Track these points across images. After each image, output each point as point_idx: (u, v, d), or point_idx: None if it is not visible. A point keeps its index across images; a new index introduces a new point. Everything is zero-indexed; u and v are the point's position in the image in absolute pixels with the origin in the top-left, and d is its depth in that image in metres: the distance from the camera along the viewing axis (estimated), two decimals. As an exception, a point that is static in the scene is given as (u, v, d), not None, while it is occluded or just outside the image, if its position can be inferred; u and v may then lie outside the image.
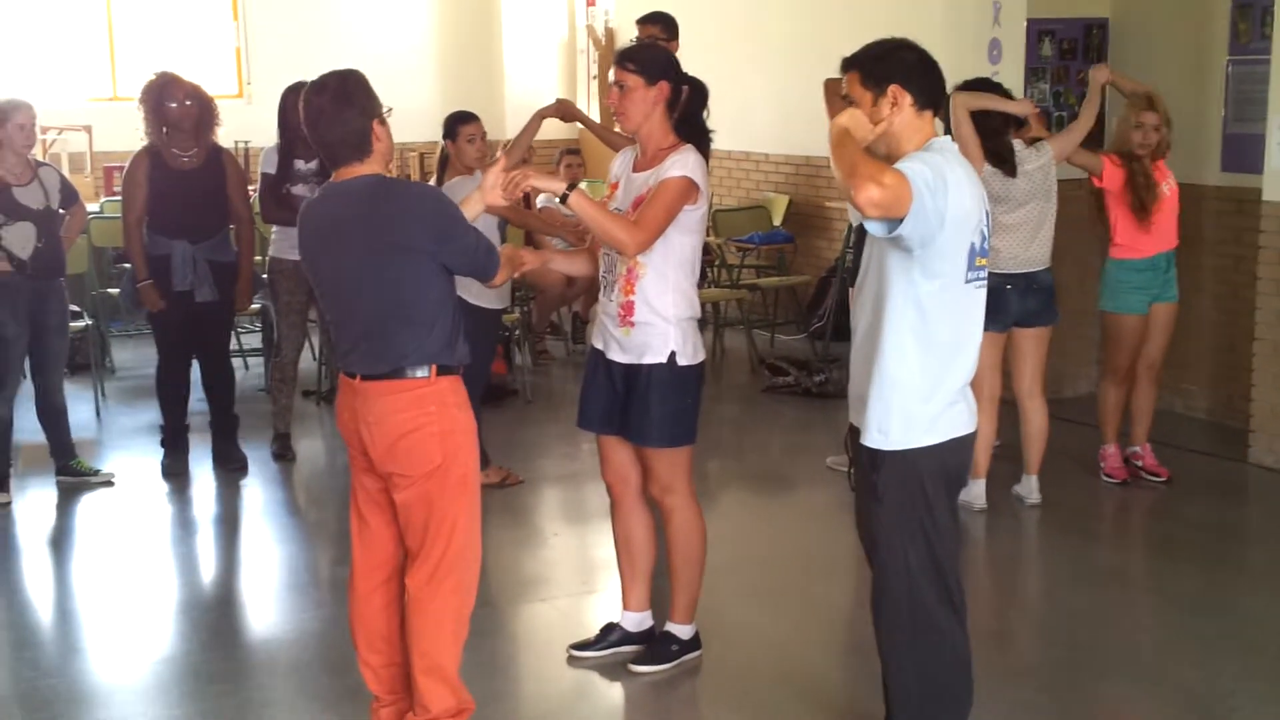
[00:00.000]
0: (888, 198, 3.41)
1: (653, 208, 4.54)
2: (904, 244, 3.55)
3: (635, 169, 4.75)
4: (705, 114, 4.83)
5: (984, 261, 3.70)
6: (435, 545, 4.13)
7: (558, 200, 4.52)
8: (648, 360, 4.69)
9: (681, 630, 4.99)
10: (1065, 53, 8.50)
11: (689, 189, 4.58)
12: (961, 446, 3.80)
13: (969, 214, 3.60)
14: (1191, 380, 8.23)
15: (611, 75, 4.70)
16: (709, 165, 4.79)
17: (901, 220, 3.45)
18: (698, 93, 4.80)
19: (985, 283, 3.74)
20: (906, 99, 3.67)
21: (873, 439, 3.77)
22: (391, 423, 4.08)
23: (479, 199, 4.37)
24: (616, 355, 4.75)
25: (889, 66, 3.70)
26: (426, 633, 4.16)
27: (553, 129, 7.11)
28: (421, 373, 4.07)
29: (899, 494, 3.76)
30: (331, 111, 4.02)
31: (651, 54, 4.76)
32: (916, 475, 3.74)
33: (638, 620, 5.10)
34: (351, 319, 4.13)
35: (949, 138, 3.78)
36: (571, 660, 5.08)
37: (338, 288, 4.14)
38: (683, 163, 4.60)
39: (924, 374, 3.70)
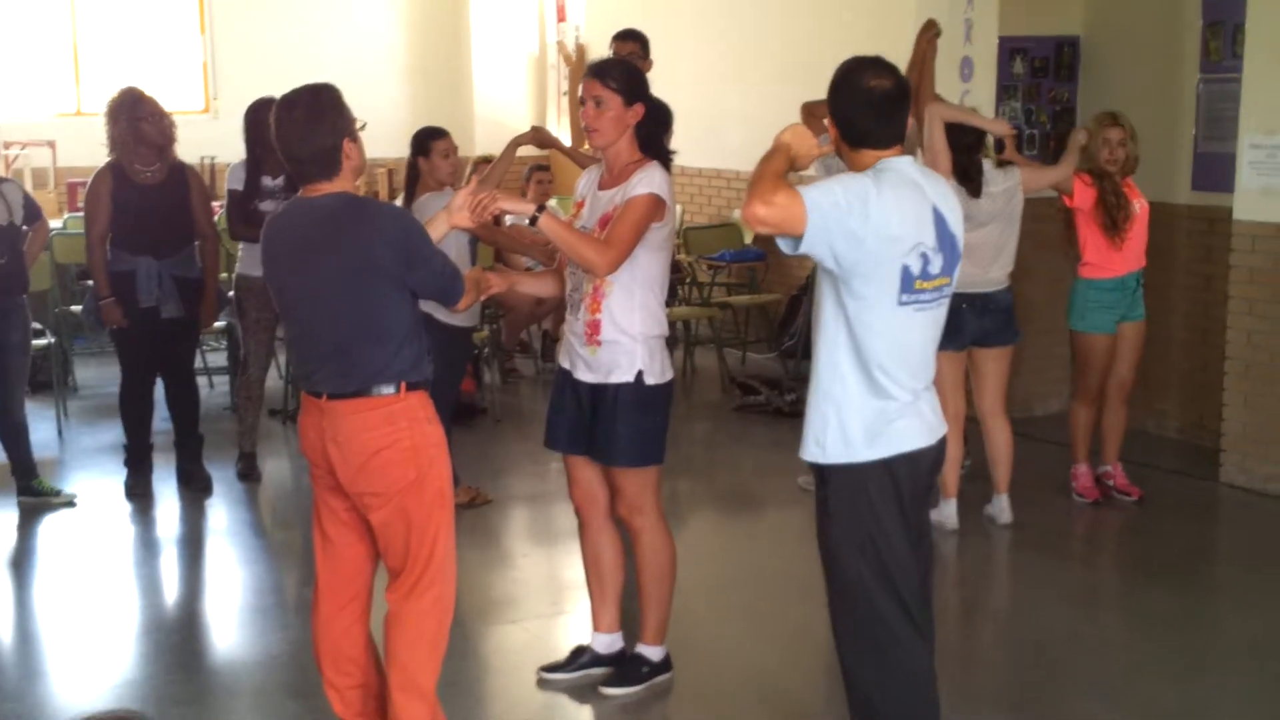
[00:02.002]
0: (774, 215, 3.44)
1: (621, 226, 4.51)
2: (820, 262, 3.58)
3: (601, 186, 4.72)
4: (667, 136, 4.81)
5: (928, 284, 3.64)
6: (417, 561, 4.10)
7: (527, 221, 4.48)
8: (614, 379, 4.65)
9: (652, 652, 4.94)
10: (1037, 71, 8.52)
11: (656, 206, 4.56)
12: (912, 461, 3.73)
13: (898, 237, 3.56)
14: (1163, 399, 8.23)
15: (583, 89, 4.65)
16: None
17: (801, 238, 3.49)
18: (662, 115, 4.79)
19: (930, 305, 3.68)
20: (836, 133, 3.70)
21: (810, 452, 3.75)
22: (361, 441, 4.03)
23: (445, 219, 4.32)
24: (583, 374, 4.71)
25: (834, 98, 3.70)
26: (405, 648, 4.11)
27: (524, 147, 7.09)
28: (389, 390, 4.03)
29: (846, 508, 3.72)
30: (302, 129, 3.99)
31: (632, 73, 4.71)
32: (863, 490, 3.69)
33: (608, 642, 5.04)
34: (318, 337, 4.07)
35: (909, 159, 3.71)
36: (541, 682, 5.03)
37: (304, 306, 4.09)
38: (649, 180, 4.57)
39: (859, 390, 3.67)
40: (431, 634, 4.16)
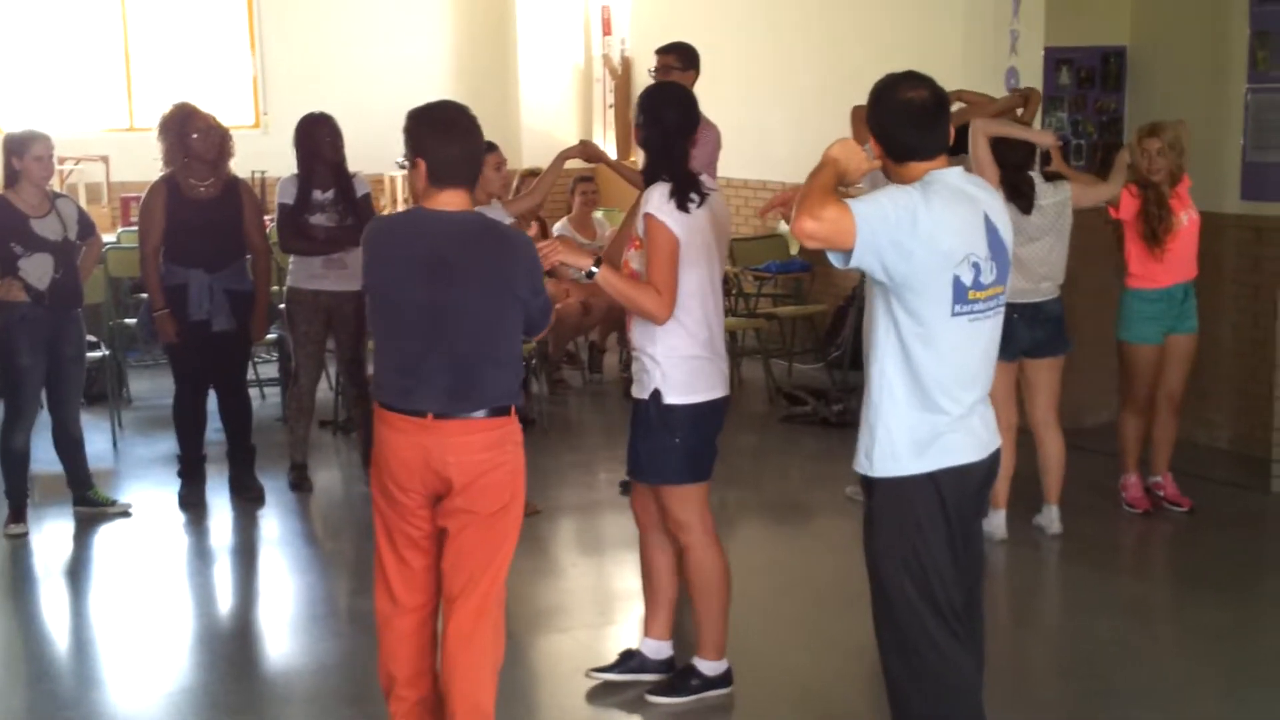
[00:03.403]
0: (823, 230, 3.46)
1: (653, 270, 4.58)
2: (871, 275, 3.59)
3: None
4: (690, 144, 4.78)
5: (980, 294, 3.65)
6: (480, 584, 4.12)
7: (584, 275, 4.57)
8: (637, 395, 4.74)
9: (706, 666, 4.94)
10: (1083, 81, 8.50)
11: (656, 227, 4.57)
12: (960, 476, 3.73)
13: (949, 250, 3.57)
14: (1213, 410, 8.18)
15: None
16: (699, 204, 4.68)
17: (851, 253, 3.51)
18: (686, 125, 4.78)
19: (985, 315, 3.69)
20: (880, 150, 3.72)
21: (860, 464, 3.76)
22: (472, 461, 4.06)
23: None
24: (633, 388, 4.83)
25: (872, 115, 3.71)
26: (470, 671, 4.13)
27: (570, 161, 7.14)
28: (503, 414, 4.09)
29: (890, 521, 3.72)
30: (471, 127, 4.10)
31: (659, 104, 4.77)
32: (908, 503, 3.69)
33: (656, 648, 5.08)
34: (432, 354, 4.04)
35: (958, 170, 3.71)
36: (590, 678, 5.09)
37: (429, 321, 4.04)
38: (645, 202, 4.64)
39: (908, 403, 3.66)
40: (491, 657, 4.19)
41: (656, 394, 4.66)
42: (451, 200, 4.05)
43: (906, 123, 3.66)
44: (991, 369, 3.79)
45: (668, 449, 4.69)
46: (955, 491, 3.72)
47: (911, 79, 3.69)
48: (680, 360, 4.65)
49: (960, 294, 3.62)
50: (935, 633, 3.72)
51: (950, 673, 3.76)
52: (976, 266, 3.63)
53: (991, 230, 3.68)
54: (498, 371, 4.06)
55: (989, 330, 3.74)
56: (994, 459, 3.82)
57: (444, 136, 4.06)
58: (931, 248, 3.54)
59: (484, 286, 4.01)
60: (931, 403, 3.67)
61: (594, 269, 4.51)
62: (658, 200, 4.60)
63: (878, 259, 3.52)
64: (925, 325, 3.62)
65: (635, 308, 4.61)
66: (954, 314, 3.62)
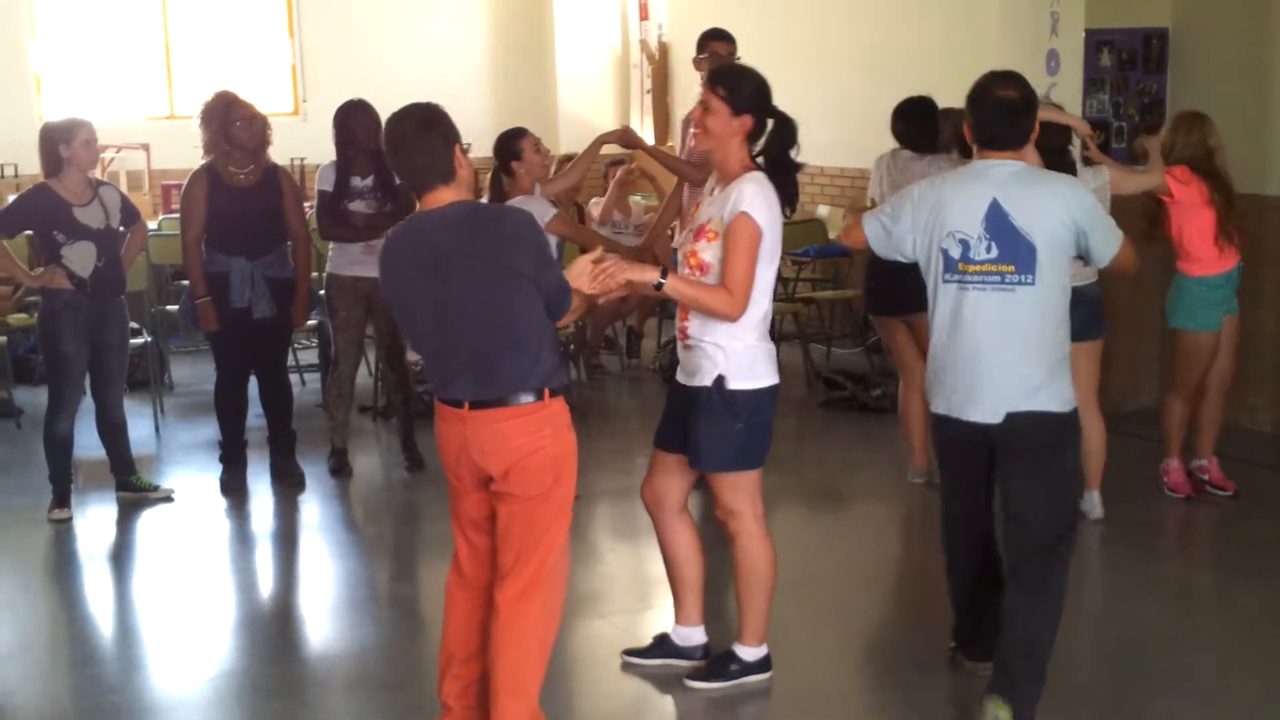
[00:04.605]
0: (848, 241, 4.82)
1: (731, 266, 4.53)
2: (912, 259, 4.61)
3: (711, 191, 4.75)
4: (795, 150, 4.77)
5: (972, 268, 4.38)
6: (530, 563, 4.15)
7: (653, 287, 4.53)
8: (697, 382, 4.69)
9: (746, 652, 4.93)
10: (1124, 63, 8.42)
11: (751, 228, 4.53)
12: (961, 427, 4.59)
13: (927, 225, 4.46)
14: (1256, 394, 8.11)
15: (699, 92, 4.70)
16: (796, 197, 4.78)
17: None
18: (785, 129, 4.75)
19: (978, 288, 4.39)
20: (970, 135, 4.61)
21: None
22: (508, 448, 4.09)
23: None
24: (680, 374, 4.79)
25: (970, 105, 4.55)
26: (512, 650, 4.16)
27: (606, 147, 7.14)
28: (532, 397, 4.09)
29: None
30: (415, 137, 4.07)
31: (744, 83, 4.70)
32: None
33: (685, 635, 5.08)
34: (456, 347, 4.09)
35: (1013, 164, 4.43)
36: (624, 664, 5.12)
37: (441, 317, 4.09)
38: (740, 194, 4.56)
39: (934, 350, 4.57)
40: (538, 640, 4.20)
41: (720, 380, 4.63)
42: (440, 197, 4.09)
43: (994, 117, 4.42)
44: (1014, 341, 4.37)
45: (731, 435, 4.67)
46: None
47: (1006, 79, 4.46)
48: (743, 348, 4.64)
49: (951, 264, 4.42)
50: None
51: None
52: (964, 243, 4.38)
53: (997, 214, 4.34)
54: (521, 354, 4.07)
55: (978, 301, 4.39)
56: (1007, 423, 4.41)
57: (396, 156, 4.13)
58: (918, 227, 4.49)
59: (483, 272, 4.02)
60: (937, 355, 4.54)
61: (661, 280, 4.50)
62: (751, 195, 4.55)
63: (894, 249, 4.60)
64: (932, 289, 4.50)
65: (706, 310, 4.58)
66: (944, 281, 4.45)
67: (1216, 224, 6.62)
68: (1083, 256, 4.56)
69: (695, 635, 5.08)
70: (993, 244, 4.35)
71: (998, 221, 4.35)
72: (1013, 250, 4.34)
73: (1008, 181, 4.39)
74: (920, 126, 7.00)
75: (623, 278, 4.41)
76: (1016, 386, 4.39)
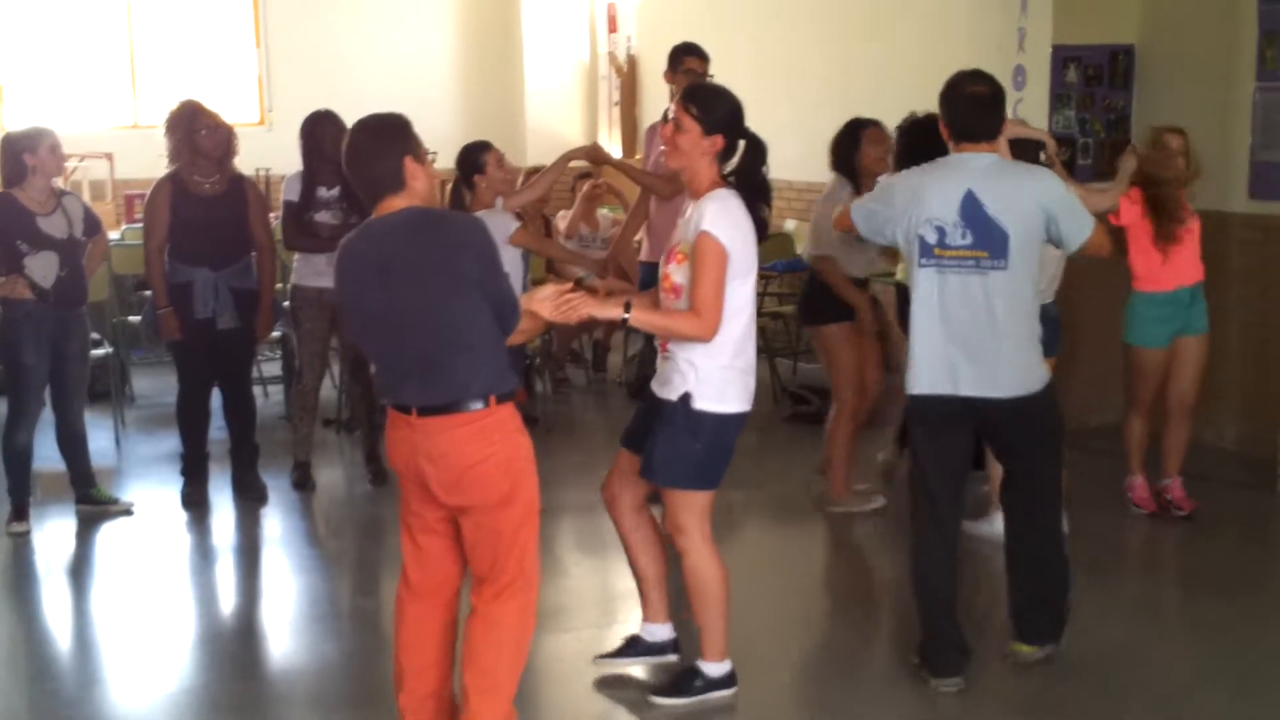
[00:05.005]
0: (843, 225, 5.14)
1: (698, 287, 4.50)
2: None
3: (686, 213, 4.72)
4: (764, 169, 4.79)
5: (948, 253, 4.72)
6: (504, 570, 4.16)
7: (620, 322, 4.61)
8: (666, 394, 4.68)
9: (710, 668, 4.90)
10: (1091, 79, 8.45)
11: (713, 247, 4.49)
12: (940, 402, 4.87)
13: (904, 210, 4.78)
14: (1220, 410, 8.13)
15: (671, 110, 4.70)
16: (766, 226, 4.78)
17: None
18: (757, 150, 4.76)
19: (954, 271, 4.71)
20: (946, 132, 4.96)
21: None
22: (456, 456, 4.07)
23: (524, 299, 4.34)
24: (654, 383, 4.80)
25: (943, 101, 4.91)
26: (489, 650, 4.15)
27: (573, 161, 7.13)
28: (479, 404, 4.06)
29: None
30: (366, 147, 4.07)
31: (718, 103, 4.69)
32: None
33: (653, 631, 5.10)
34: (404, 352, 4.09)
35: (989, 156, 4.78)
36: (596, 667, 5.14)
37: (388, 322, 4.08)
38: (699, 217, 4.55)
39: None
40: (514, 642, 4.20)
41: (687, 397, 4.61)
42: (391, 205, 4.09)
43: (967, 111, 4.76)
44: (989, 323, 4.72)
45: (687, 454, 4.65)
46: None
47: (976, 76, 4.80)
48: (717, 369, 4.61)
49: (926, 250, 4.75)
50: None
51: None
52: (940, 230, 4.71)
53: (971, 203, 4.67)
54: (469, 358, 4.04)
55: (970, 286, 4.71)
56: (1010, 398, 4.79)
57: (350, 167, 4.14)
58: (899, 213, 4.80)
59: (430, 275, 4.01)
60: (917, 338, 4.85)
61: (626, 314, 4.50)
62: (712, 214, 4.52)
63: (879, 234, 4.95)
64: (913, 274, 4.81)
65: (677, 336, 4.57)
66: (920, 265, 4.77)
67: (1156, 239, 6.63)
68: (1055, 242, 4.87)
69: (662, 631, 5.09)
70: (967, 231, 4.70)
71: (972, 210, 4.69)
72: (986, 237, 4.69)
73: (982, 173, 4.73)
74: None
75: (586, 313, 4.40)
76: (1016, 363, 4.80)
